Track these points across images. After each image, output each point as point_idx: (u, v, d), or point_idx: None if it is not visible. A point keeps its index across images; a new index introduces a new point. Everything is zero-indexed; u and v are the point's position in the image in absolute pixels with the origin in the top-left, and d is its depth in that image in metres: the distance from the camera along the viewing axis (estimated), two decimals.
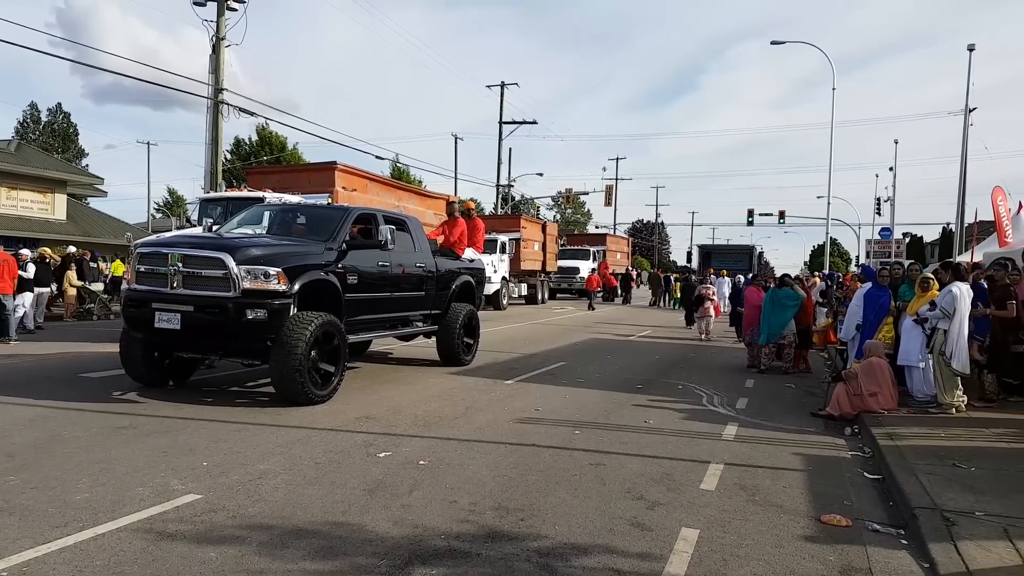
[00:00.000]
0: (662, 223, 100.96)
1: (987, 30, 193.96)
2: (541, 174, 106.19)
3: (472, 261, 14.33)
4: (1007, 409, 10.00)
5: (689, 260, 68.47)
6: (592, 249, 44.97)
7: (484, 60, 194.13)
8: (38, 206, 31.91)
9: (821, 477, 6.92)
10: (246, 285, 8.74)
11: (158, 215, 62.37)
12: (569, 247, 44.94)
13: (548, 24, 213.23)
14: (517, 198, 60.95)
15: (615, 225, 72.10)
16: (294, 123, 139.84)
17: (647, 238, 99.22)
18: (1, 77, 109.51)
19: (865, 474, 7.15)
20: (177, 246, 9.23)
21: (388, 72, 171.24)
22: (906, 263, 14.60)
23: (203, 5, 24.86)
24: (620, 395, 10.92)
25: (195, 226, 16.19)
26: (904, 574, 4.73)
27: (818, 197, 66.40)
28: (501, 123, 50.76)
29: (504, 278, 30.65)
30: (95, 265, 24.36)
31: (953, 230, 36.18)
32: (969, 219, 29.06)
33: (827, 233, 40.21)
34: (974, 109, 32.31)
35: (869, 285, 11.74)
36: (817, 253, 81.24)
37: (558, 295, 42.45)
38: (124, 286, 10.00)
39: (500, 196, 52.54)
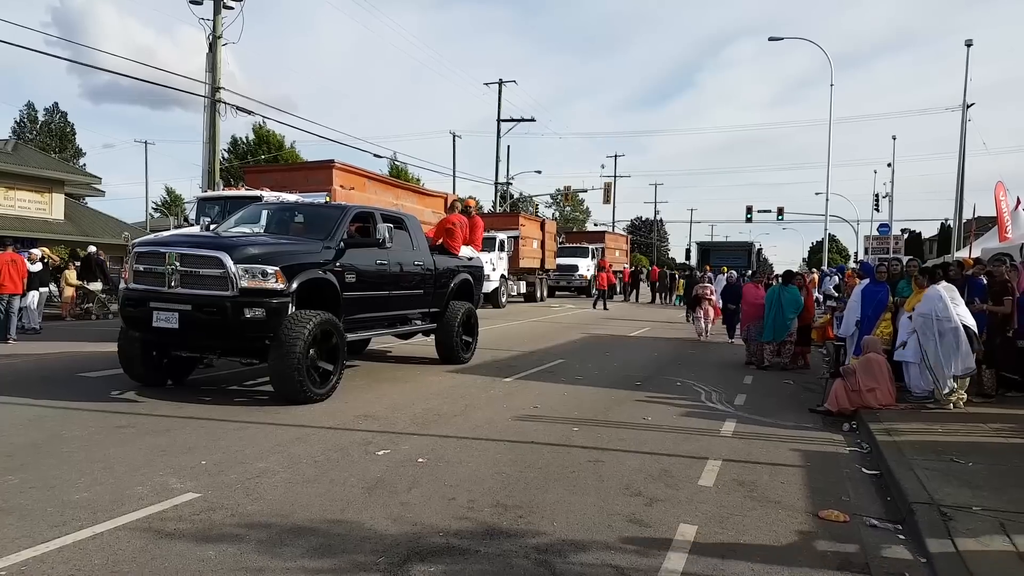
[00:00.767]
0: (661, 220, 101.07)
1: (985, 27, 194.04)
2: (539, 172, 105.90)
3: (471, 259, 14.33)
4: (1005, 404, 10.01)
5: (688, 257, 68.55)
6: (591, 247, 44.94)
7: (482, 58, 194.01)
8: (36, 206, 31.88)
9: (819, 473, 6.93)
10: (244, 284, 8.75)
11: (156, 214, 62.31)
12: (568, 245, 44.91)
13: (546, 22, 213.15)
14: (516, 196, 60.99)
15: (614, 223, 72.10)
16: (291, 122, 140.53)
17: (646, 235, 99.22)
18: None
19: (863, 470, 7.16)
20: (175, 245, 9.23)
21: (386, 70, 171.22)
22: (904, 259, 14.62)
23: (200, 4, 24.84)
24: (619, 392, 10.93)
25: (193, 225, 16.18)
26: (902, 569, 4.73)
27: (816, 193, 66.38)
28: (499, 121, 50.74)
29: (503, 276, 30.65)
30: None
31: (951, 226, 36.20)
32: (968, 215, 29.10)
33: (826, 230, 40.32)
34: (972, 105, 32.38)
35: (867, 281, 11.76)
36: (816, 249, 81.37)
37: (557, 293, 42.44)
38: (122, 286, 10.00)
39: (499, 194, 52.53)
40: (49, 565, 4.28)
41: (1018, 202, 16.35)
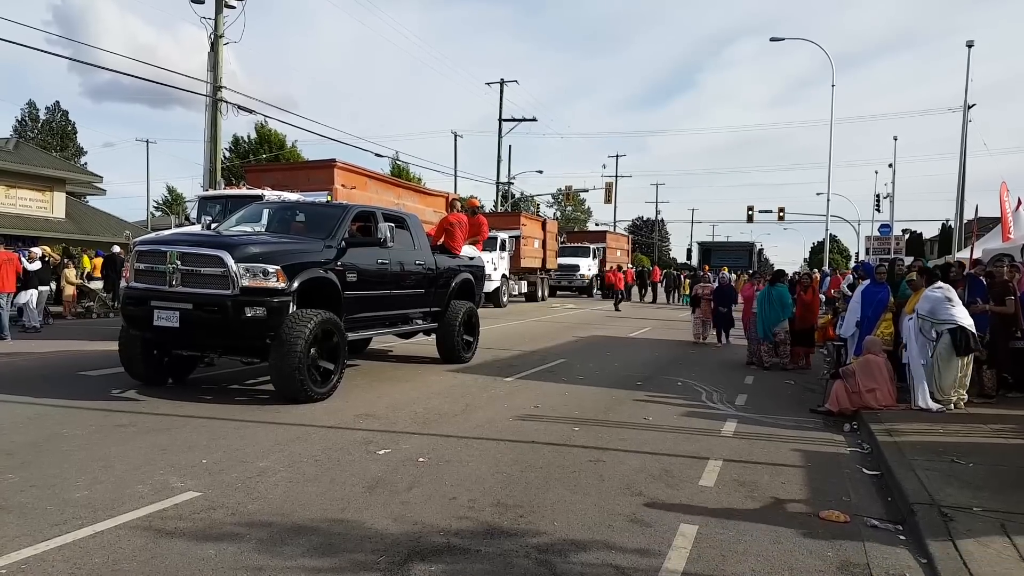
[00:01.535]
0: (662, 220, 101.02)
1: (985, 27, 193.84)
2: (541, 171, 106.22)
3: (472, 259, 14.32)
4: (1005, 405, 10.00)
5: (689, 257, 68.53)
6: (592, 246, 44.98)
7: (483, 58, 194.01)
8: (37, 204, 31.86)
9: (820, 473, 6.92)
10: (245, 283, 8.75)
11: (157, 213, 62.31)
12: (569, 244, 44.96)
13: (547, 22, 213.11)
14: (517, 195, 60.98)
15: (615, 222, 72.02)
16: (293, 121, 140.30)
17: (647, 235, 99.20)
18: None
19: (864, 470, 7.16)
20: (176, 244, 9.23)
21: (387, 70, 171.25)
22: (907, 260, 14.61)
23: (201, 3, 24.78)
24: (619, 392, 10.92)
25: (194, 224, 16.18)
26: (902, 570, 4.73)
27: (818, 194, 66.39)
28: (501, 120, 50.75)
29: (504, 275, 30.66)
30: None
31: (952, 226, 36.17)
32: (969, 215, 29.05)
33: (827, 230, 40.31)
34: (973, 106, 32.36)
35: (868, 282, 11.75)
36: (817, 250, 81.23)
37: (558, 292, 42.43)
38: (123, 284, 10.01)
39: (500, 193, 52.52)
40: (49, 564, 4.28)
41: (1019, 203, 16.32)
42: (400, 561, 4.49)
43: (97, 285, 23.32)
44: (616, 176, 71.24)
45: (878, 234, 36.46)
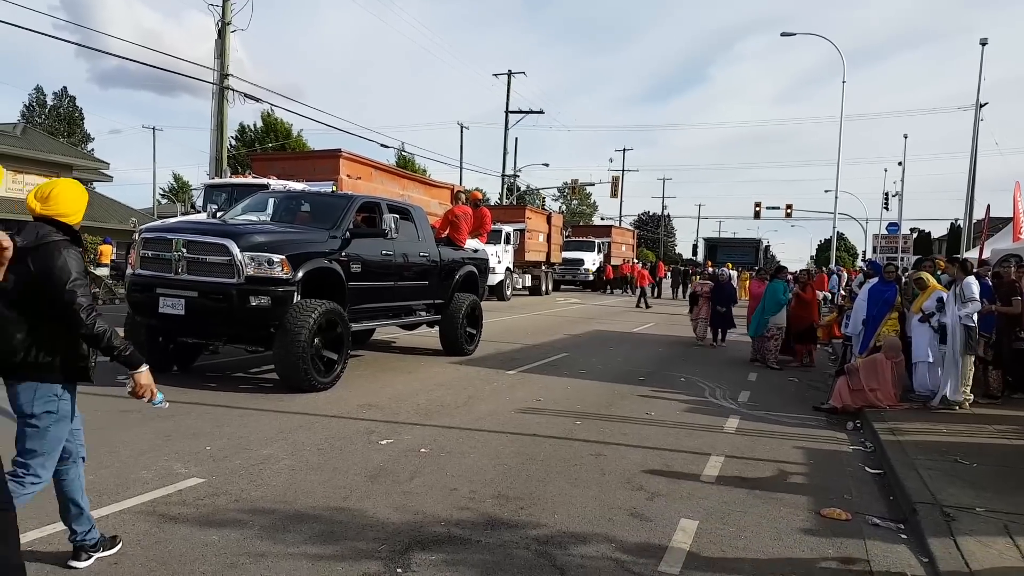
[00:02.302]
0: (668, 215, 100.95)
1: (997, 24, 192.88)
2: (547, 164, 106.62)
3: (476, 251, 14.33)
4: (1010, 406, 9.99)
5: (695, 253, 68.44)
6: (597, 241, 44.91)
7: (491, 49, 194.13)
8: None
9: (822, 471, 6.93)
10: (250, 272, 8.76)
11: (163, 200, 62.36)
12: (574, 239, 44.84)
13: (555, 14, 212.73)
14: (522, 188, 60.90)
15: (620, 217, 71.87)
16: (299, 110, 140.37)
17: (653, 230, 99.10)
18: (7, 61, 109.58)
19: (866, 468, 7.16)
20: (182, 232, 9.25)
21: (394, 60, 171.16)
22: (913, 258, 14.58)
23: None
24: (622, 387, 10.93)
25: (200, 212, 16.21)
26: (903, 568, 4.74)
27: (826, 191, 66.20)
28: (507, 112, 50.61)
29: (508, 269, 30.62)
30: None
31: (961, 226, 36.06)
32: (980, 215, 28.92)
33: (834, 228, 40.22)
34: (985, 104, 32.14)
35: (875, 280, 11.73)
36: (824, 247, 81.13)
37: (562, 286, 42.41)
38: (128, 271, 10.02)
39: (505, 186, 52.46)
40: (54, 547, 4.31)
41: None
42: (401, 550, 4.50)
43: (103, 272, 23.36)
44: (623, 170, 71.14)
45: (886, 232, 36.32)
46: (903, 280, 12.12)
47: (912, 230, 50.97)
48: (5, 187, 30.02)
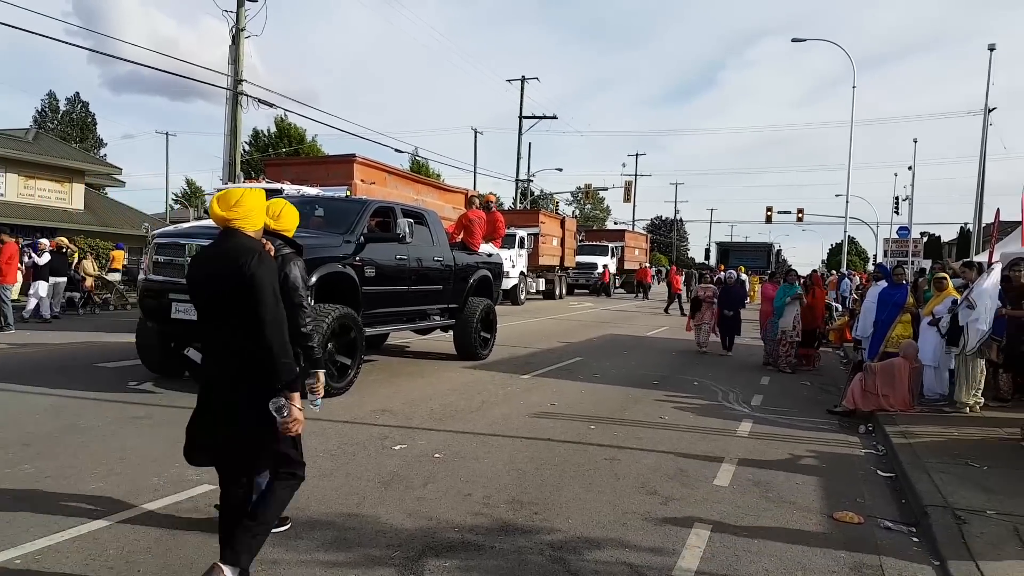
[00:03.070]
0: (680, 220, 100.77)
1: (1008, 29, 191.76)
2: (560, 169, 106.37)
3: (490, 256, 14.33)
4: (1021, 408, 9.92)
5: (707, 257, 68.25)
6: (610, 245, 44.89)
7: (504, 54, 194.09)
8: (56, 196, 32.12)
9: (834, 474, 6.90)
10: None
11: (176, 206, 62.67)
12: (587, 243, 44.84)
13: (568, 18, 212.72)
14: (536, 193, 60.89)
15: (634, 221, 71.74)
16: (313, 115, 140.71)
17: (665, 235, 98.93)
18: (19, 66, 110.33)
19: (878, 472, 7.13)
20: (195, 237, 9.29)
21: (407, 65, 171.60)
22: (924, 262, 14.50)
23: None
24: (636, 391, 10.91)
25: None
26: (915, 572, 4.71)
27: (836, 195, 65.86)
28: (521, 117, 50.66)
29: (522, 273, 30.62)
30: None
31: (971, 230, 35.87)
32: (989, 219, 28.75)
33: (845, 232, 40.10)
34: (994, 109, 31.95)
35: (884, 283, 11.66)
36: (835, 251, 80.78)
37: (576, 291, 42.35)
38: (141, 276, 10.06)
39: (519, 191, 52.48)
40: (64, 555, 4.31)
41: None
42: (414, 556, 4.51)
43: (115, 277, 23.46)
44: (636, 175, 71.13)
45: (896, 236, 36.14)
46: (918, 280, 12.06)
47: (923, 234, 50.68)
48: (17, 192, 30.27)
